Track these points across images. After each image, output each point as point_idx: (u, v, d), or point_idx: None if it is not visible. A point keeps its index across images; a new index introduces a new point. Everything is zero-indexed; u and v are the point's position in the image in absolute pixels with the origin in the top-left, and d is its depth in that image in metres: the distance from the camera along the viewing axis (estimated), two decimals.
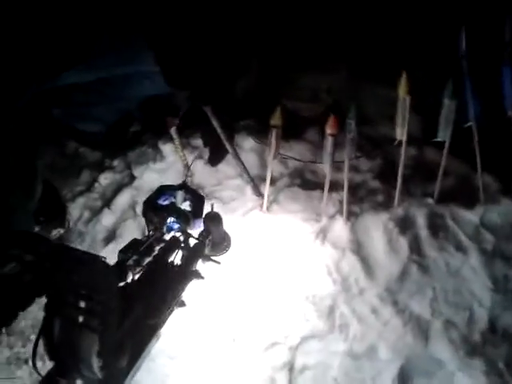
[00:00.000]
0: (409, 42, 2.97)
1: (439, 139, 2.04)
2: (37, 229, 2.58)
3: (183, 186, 1.95)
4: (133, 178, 2.73)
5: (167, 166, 2.66)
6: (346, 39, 3.20)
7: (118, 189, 2.73)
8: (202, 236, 1.74)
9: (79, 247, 2.57)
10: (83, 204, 2.73)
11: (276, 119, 1.87)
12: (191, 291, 1.75)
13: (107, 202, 2.69)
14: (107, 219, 2.60)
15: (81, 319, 1.16)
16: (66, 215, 2.69)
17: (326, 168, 2.02)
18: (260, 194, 2.33)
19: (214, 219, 1.79)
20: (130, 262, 1.62)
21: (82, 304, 1.15)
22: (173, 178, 2.63)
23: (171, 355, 2.03)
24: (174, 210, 1.80)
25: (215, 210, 1.92)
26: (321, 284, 2.17)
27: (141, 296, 1.49)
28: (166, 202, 1.90)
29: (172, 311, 1.53)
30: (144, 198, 2.60)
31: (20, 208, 2.14)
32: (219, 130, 2.11)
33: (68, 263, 1.13)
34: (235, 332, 2.09)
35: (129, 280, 1.59)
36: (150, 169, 2.70)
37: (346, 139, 1.95)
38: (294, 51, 3.21)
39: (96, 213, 2.66)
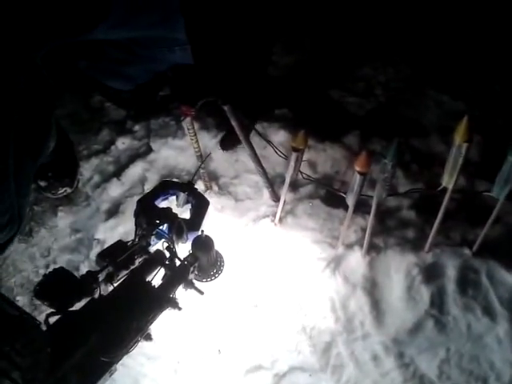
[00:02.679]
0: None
1: (492, 195, 1.69)
2: (42, 184, 2.46)
3: (189, 187, 1.74)
4: (149, 149, 2.52)
5: (187, 144, 2.42)
6: (419, 31, 2.76)
7: (132, 158, 2.53)
8: (188, 260, 1.52)
9: (84, 211, 2.46)
10: (96, 166, 2.57)
11: (298, 142, 1.57)
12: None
13: (119, 170, 2.51)
14: (115, 190, 2.43)
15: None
16: (77, 175, 2.55)
17: (349, 202, 1.73)
18: (277, 200, 2.08)
19: (202, 246, 1.56)
20: (103, 274, 1.46)
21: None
22: (189, 160, 2.43)
23: (150, 356, 1.92)
24: (168, 216, 1.59)
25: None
26: (321, 318, 1.94)
27: (100, 323, 1.32)
28: (164, 204, 1.69)
29: (135, 344, 1.36)
30: (155, 176, 2.45)
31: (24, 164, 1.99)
32: (238, 132, 1.84)
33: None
34: (222, 344, 1.95)
35: (96, 295, 1.42)
36: (168, 145, 2.48)
37: (378, 177, 1.62)
38: (354, 34, 2.80)
39: (106, 179, 2.50)
